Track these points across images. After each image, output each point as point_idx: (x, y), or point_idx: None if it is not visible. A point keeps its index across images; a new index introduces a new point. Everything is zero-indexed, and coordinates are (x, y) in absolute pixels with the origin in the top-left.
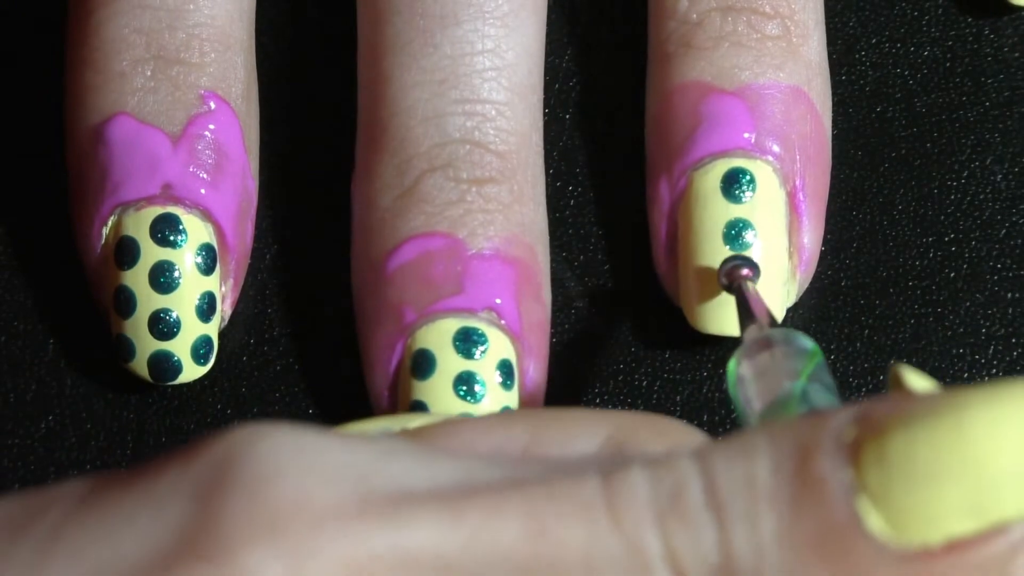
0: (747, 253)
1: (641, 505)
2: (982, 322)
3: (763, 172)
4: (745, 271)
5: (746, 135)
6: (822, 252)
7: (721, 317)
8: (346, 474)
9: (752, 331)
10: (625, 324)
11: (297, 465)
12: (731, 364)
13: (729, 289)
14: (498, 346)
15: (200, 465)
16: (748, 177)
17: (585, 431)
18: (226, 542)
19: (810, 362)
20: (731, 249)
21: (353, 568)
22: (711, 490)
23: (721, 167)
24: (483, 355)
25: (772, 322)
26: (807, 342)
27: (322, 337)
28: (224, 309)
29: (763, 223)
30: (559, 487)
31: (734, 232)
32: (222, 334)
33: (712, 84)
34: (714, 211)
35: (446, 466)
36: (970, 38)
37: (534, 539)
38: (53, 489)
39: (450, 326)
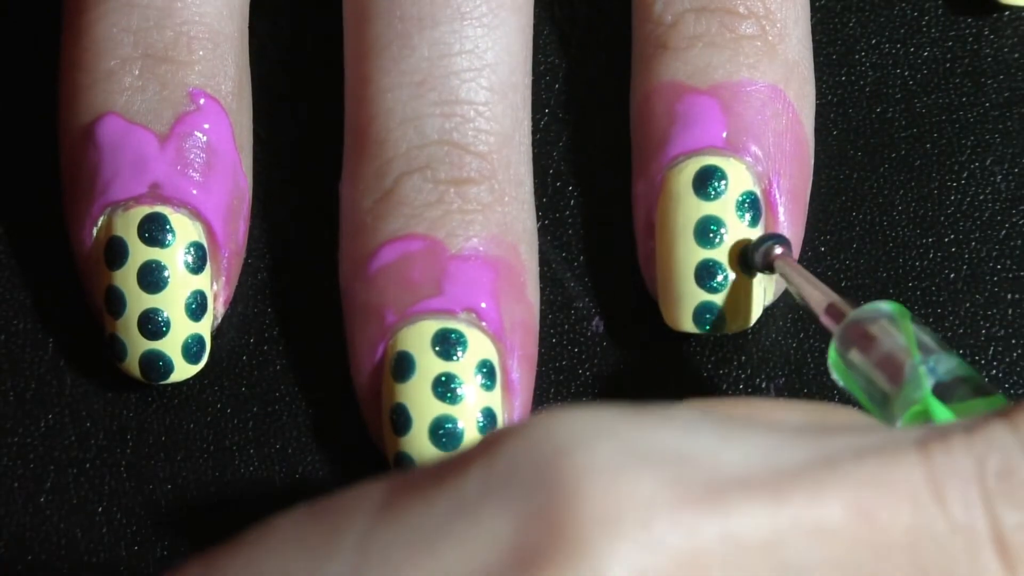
0: (719, 251)
1: (966, 483)
2: (982, 323)
3: (735, 170)
4: (779, 250)
5: (719, 133)
6: (822, 252)
7: (694, 317)
8: (662, 459)
9: (830, 308)
10: (624, 324)
11: (614, 455)
12: (832, 353)
13: (768, 270)
14: (478, 347)
15: (507, 464)
16: (720, 175)
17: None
18: (563, 548)
19: (905, 328)
20: (703, 248)
21: (687, 559)
22: None
23: (693, 165)
24: (462, 356)
25: (840, 295)
26: (885, 307)
27: (322, 337)
28: (217, 307)
29: (735, 221)
30: (877, 465)
31: (706, 230)
32: (222, 333)
33: (686, 84)
34: (686, 209)
35: (755, 443)
36: (970, 38)
37: (858, 522)
38: (345, 499)
39: (429, 328)
